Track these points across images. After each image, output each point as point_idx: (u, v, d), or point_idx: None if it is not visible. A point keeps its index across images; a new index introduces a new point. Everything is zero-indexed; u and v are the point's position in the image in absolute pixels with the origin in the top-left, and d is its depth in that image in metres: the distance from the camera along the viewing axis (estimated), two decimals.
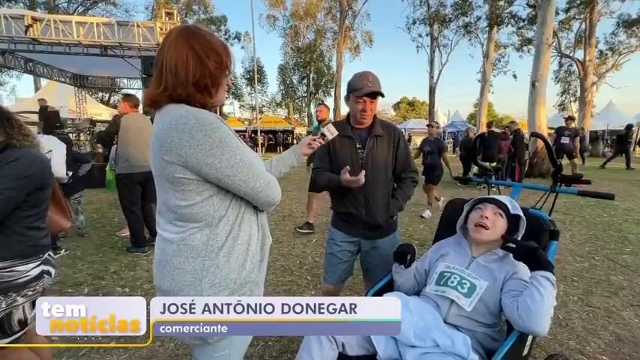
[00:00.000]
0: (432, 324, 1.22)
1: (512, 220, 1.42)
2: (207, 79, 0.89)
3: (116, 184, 3.80)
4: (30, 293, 1.28)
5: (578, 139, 8.82)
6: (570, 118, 9.14)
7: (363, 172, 1.56)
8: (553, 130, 9.87)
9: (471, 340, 1.17)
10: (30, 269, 1.27)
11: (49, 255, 1.37)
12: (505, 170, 8.11)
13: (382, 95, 1.66)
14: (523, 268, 1.30)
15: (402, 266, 1.48)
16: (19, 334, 1.28)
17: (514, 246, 1.29)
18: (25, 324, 1.30)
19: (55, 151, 3.46)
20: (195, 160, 0.83)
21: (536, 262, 1.19)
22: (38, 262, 1.30)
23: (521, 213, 1.42)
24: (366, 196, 1.70)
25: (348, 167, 1.57)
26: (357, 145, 1.71)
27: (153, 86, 0.90)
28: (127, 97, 3.85)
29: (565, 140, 8.22)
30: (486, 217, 1.38)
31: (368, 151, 1.70)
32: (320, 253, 3.59)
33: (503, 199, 1.47)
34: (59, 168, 3.50)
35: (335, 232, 1.84)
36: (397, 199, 1.77)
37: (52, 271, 1.38)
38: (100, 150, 6.46)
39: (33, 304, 1.31)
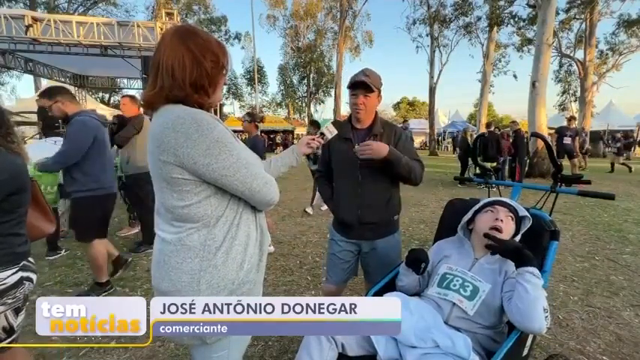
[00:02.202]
0: (432, 324, 1.21)
1: (519, 223, 1.45)
2: (205, 79, 0.89)
3: (124, 185, 3.79)
4: (10, 301, 1.21)
5: (578, 138, 8.83)
6: (572, 118, 9.16)
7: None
8: (553, 130, 9.88)
9: (472, 341, 1.17)
10: (6, 277, 1.19)
11: (28, 261, 1.30)
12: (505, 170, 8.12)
13: (370, 88, 1.57)
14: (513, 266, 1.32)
15: (413, 272, 1.42)
16: (5, 341, 1.23)
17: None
18: (11, 331, 1.25)
19: None
20: (192, 161, 0.82)
21: (520, 259, 1.22)
22: (15, 269, 1.23)
23: (527, 214, 1.44)
24: (362, 197, 1.68)
25: None
26: (356, 147, 1.68)
27: (149, 87, 0.89)
28: (134, 99, 3.83)
29: (567, 140, 8.21)
30: (501, 221, 1.39)
31: None
32: (320, 253, 3.59)
33: (510, 201, 1.49)
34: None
35: (335, 233, 1.84)
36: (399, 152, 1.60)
37: (33, 277, 1.31)
38: None
39: (16, 311, 1.26)
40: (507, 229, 1.39)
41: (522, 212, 1.45)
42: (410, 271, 1.43)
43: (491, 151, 7.55)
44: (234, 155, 0.86)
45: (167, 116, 0.85)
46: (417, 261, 1.37)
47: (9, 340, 1.24)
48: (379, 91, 1.66)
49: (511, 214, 1.42)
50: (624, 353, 2.02)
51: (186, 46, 0.86)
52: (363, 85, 1.58)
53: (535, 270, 1.18)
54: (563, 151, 8.19)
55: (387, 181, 1.70)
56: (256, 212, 1.00)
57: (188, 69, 0.86)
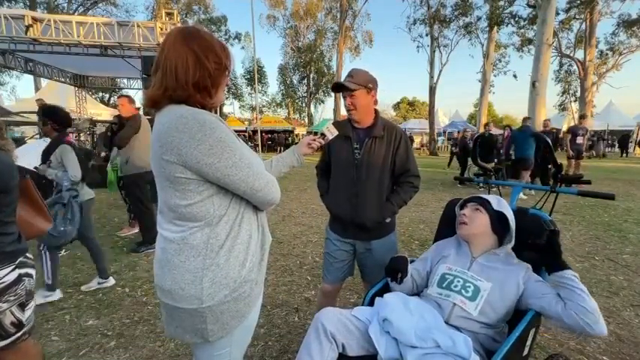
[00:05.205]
0: (432, 324, 1.21)
1: (500, 217, 1.42)
2: (207, 79, 0.90)
3: (124, 185, 3.77)
4: (12, 298, 1.23)
5: (587, 137, 8.81)
6: (584, 116, 9.19)
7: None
8: (566, 130, 9.89)
9: (472, 340, 1.17)
10: (4, 275, 1.21)
11: (25, 257, 1.32)
12: (506, 170, 8.10)
13: (348, 88, 1.56)
14: (529, 268, 1.33)
15: (395, 282, 1.44)
16: (16, 335, 1.27)
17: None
18: (20, 325, 1.28)
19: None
20: (195, 160, 0.83)
21: (559, 263, 1.22)
22: (12, 267, 1.24)
23: (505, 210, 1.41)
24: (357, 197, 1.68)
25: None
26: (355, 145, 1.68)
27: (153, 87, 0.90)
28: (131, 99, 3.81)
29: (580, 140, 8.15)
30: (464, 215, 1.45)
31: (364, 152, 1.65)
32: (320, 253, 3.59)
33: (488, 196, 1.49)
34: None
35: (330, 232, 1.85)
36: (390, 203, 1.69)
37: (32, 272, 1.33)
38: (103, 154, 6.34)
39: (21, 306, 1.28)
40: (474, 221, 1.42)
41: (498, 206, 1.43)
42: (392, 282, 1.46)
43: (492, 151, 7.57)
44: (237, 155, 0.87)
45: (170, 116, 0.86)
46: (394, 271, 1.41)
47: (20, 333, 1.29)
48: (367, 89, 1.61)
49: (478, 206, 1.45)
50: (624, 353, 2.02)
51: (189, 47, 0.87)
52: (341, 88, 1.59)
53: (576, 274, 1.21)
54: (576, 151, 8.14)
55: (383, 182, 1.70)
56: (258, 212, 1.01)
57: (191, 70, 0.87)
